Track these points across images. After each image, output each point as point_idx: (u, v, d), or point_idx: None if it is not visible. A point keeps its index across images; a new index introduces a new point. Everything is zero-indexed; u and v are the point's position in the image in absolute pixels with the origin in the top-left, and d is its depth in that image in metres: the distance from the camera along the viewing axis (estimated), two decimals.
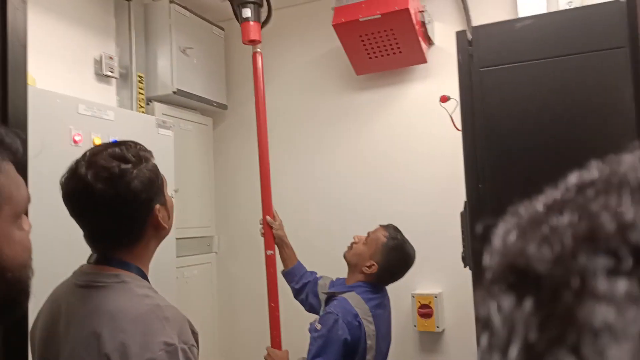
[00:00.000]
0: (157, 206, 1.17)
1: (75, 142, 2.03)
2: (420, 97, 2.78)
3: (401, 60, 2.76)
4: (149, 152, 1.24)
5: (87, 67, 2.51)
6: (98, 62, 2.53)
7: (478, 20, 2.68)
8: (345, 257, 2.14)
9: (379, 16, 2.54)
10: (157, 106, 2.71)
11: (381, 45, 2.68)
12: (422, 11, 2.65)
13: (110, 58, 2.56)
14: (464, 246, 1.69)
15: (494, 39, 1.62)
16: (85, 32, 2.51)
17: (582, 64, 1.46)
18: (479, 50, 1.62)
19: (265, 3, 2.31)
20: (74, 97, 2.09)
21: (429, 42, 2.77)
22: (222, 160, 3.21)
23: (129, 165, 1.10)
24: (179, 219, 2.71)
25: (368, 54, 2.74)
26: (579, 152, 1.50)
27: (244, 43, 2.31)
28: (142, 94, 2.66)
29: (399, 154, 2.81)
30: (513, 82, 1.58)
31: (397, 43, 2.66)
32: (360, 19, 2.57)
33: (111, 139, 2.13)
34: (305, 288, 2.26)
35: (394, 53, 2.71)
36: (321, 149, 3.00)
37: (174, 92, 2.70)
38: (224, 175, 3.20)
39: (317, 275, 2.30)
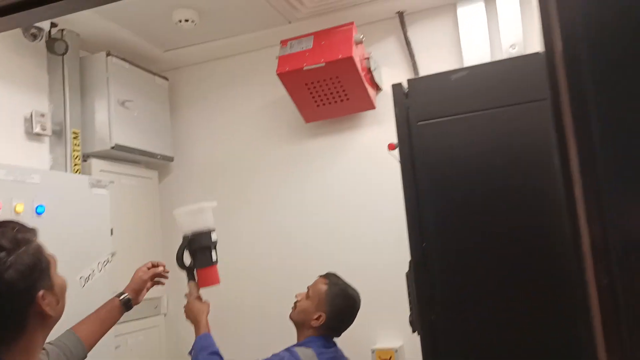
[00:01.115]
0: (41, 292, 1.07)
1: None
2: (370, 143, 2.72)
3: (349, 107, 2.71)
4: (31, 231, 1.14)
5: (16, 126, 2.36)
6: (28, 120, 2.39)
7: (425, 65, 2.67)
8: (291, 318, 2.11)
9: (323, 64, 2.49)
10: (95, 163, 2.57)
11: (328, 93, 2.63)
12: (368, 58, 2.62)
13: (42, 115, 2.42)
14: (411, 309, 1.58)
15: (430, 91, 1.56)
16: (15, 89, 2.37)
17: (514, 116, 1.42)
18: (416, 104, 1.55)
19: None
20: None
21: (377, 88, 2.73)
22: (169, 214, 3.06)
23: (3, 254, 1.00)
24: (120, 283, 2.55)
25: (315, 101, 2.68)
26: (520, 204, 1.44)
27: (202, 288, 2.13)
28: (77, 150, 2.52)
29: (351, 203, 2.72)
30: (451, 136, 1.52)
31: (343, 90, 2.60)
32: (305, 68, 2.51)
33: (36, 205, 1.99)
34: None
35: (342, 100, 2.65)
36: (271, 198, 2.89)
37: (113, 147, 2.57)
38: (172, 230, 3.04)
39: None
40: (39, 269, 1.08)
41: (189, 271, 2.12)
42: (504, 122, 1.47)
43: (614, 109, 0.68)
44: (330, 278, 2.11)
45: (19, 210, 1.91)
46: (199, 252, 2.09)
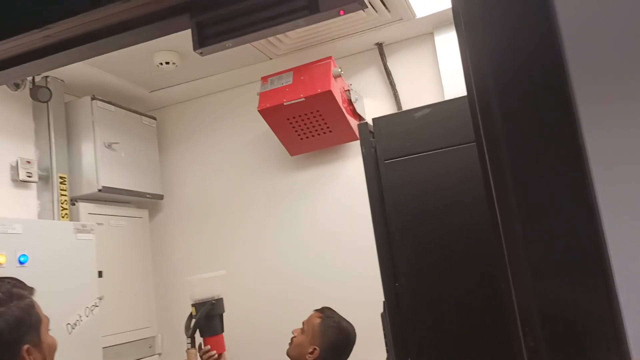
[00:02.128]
0: (26, 347, 1.10)
1: None
2: (355, 174, 2.71)
3: (333, 139, 2.72)
4: (28, 289, 1.21)
5: (2, 174, 2.39)
6: (14, 168, 2.42)
7: (406, 94, 2.68)
8: (288, 354, 2.11)
9: (303, 99, 2.51)
10: (82, 206, 2.59)
11: (310, 126, 2.64)
12: (349, 90, 2.63)
13: (28, 162, 2.46)
14: (387, 351, 1.56)
15: (395, 129, 1.56)
16: (0, 138, 2.42)
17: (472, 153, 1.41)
18: (382, 142, 1.56)
19: None
20: None
21: (360, 118, 2.74)
22: (161, 253, 3.07)
23: None
24: (112, 325, 2.55)
25: (299, 135, 2.69)
26: (491, 241, 1.42)
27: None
28: (65, 195, 2.54)
29: (339, 235, 2.71)
30: (418, 174, 1.52)
31: (325, 123, 2.62)
32: (285, 103, 2.54)
33: (18, 255, 2.01)
34: None
35: (324, 132, 2.67)
36: (260, 234, 2.89)
37: (100, 190, 2.59)
38: (164, 268, 3.05)
39: None
40: (27, 324, 1.12)
41: (192, 339, 2.15)
42: (469, 159, 1.47)
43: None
44: (325, 312, 2.10)
45: (1, 262, 1.93)
46: (208, 320, 2.14)
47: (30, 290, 1.21)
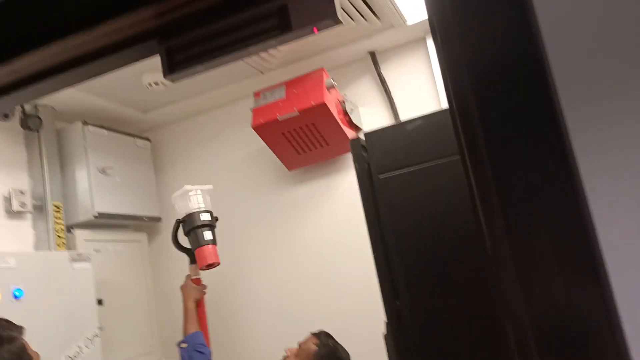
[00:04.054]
0: None
1: None
2: (355, 185, 2.66)
3: (330, 152, 2.66)
4: (18, 329, 1.19)
5: None
6: (7, 199, 2.38)
7: (402, 101, 2.63)
8: None
9: (297, 113, 2.46)
10: (79, 234, 2.55)
11: (306, 140, 2.59)
12: (343, 101, 2.58)
13: (21, 192, 2.42)
14: None
15: (387, 143, 1.51)
16: None
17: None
18: (375, 156, 1.51)
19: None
20: None
21: (357, 129, 2.69)
22: (162, 276, 3.02)
23: None
24: (114, 353, 2.50)
25: (295, 149, 2.64)
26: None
27: (201, 269, 2.33)
28: (60, 224, 2.50)
29: (341, 249, 2.65)
30: (414, 187, 1.46)
31: (321, 136, 2.57)
32: (279, 118, 2.49)
33: (12, 289, 1.96)
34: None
35: (321, 145, 2.62)
36: (261, 251, 2.84)
37: (96, 217, 2.55)
38: (166, 291, 3.00)
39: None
40: None
41: (190, 254, 2.32)
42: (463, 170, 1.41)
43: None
44: (321, 338, 2.04)
45: None
46: (192, 233, 2.27)
47: (20, 330, 1.19)
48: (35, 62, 0.94)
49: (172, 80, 0.93)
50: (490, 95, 0.65)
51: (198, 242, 2.26)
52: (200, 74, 0.94)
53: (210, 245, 2.27)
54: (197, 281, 2.35)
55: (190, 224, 2.28)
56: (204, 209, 2.29)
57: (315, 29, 0.83)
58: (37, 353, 1.20)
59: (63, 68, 0.96)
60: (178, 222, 2.31)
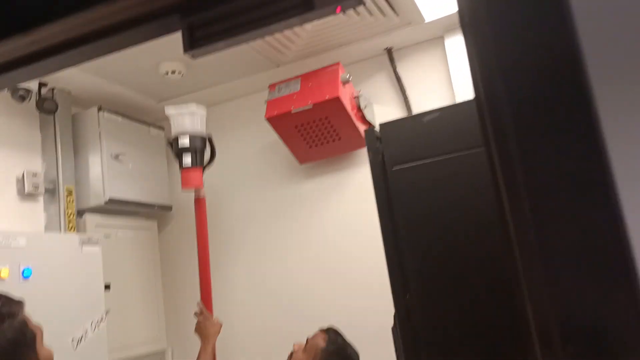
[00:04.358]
0: None
1: None
2: (365, 181, 2.64)
3: (342, 146, 2.66)
4: (18, 304, 1.16)
5: (9, 187, 2.37)
6: (20, 181, 2.40)
7: (417, 99, 2.61)
8: None
9: (311, 106, 2.46)
10: (90, 218, 2.56)
11: (319, 134, 2.59)
12: (358, 96, 2.58)
13: (34, 175, 2.44)
14: None
15: (403, 135, 1.50)
16: (6, 151, 2.40)
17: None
18: (389, 148, 1.49)
19: (208, 144, 2.46)
20: None
21: (369, 125, 2.68)
22: (170, 264, 3.03)
23: None
24: (120, 339, 2.51)
25: (307, 143, 2.64)
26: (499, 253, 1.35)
27: (183, 189, 2.41)
28: (71, 207, 2.51)
29: (351, 244, 2.64)
30: (428, 180, 1.45)
31: (334, 130, 2.56)
32: (293, 111, 2.49)
33: (22, 268, 1.97)
34: None
35: (333, 140, 2.61)
36: (270, 243, 2.83)
37: (106, 202, 2.56)
38: (174, 280, 3.01)
39: None
40: (22, 344, 1.10)
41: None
42: (480, 163, 1.40)
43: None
44: (330, 334, 2.00)
45: (4, 276, 1.90)
46: (178, 156, 2.34)
47: (20, 304, 1.16)
48: (55, 33, 0.94)
49: (193, 57, 0.93)
50: (521, 85, 0.64)
51: (184, 163, 2.35)
52: (219, 51, 0.93)
53: (186, 169, 2.34)
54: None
55: (178, 145, 2.35)
56: (184, 132, 2.33)
57: (338, 8, 0.83)
58: (39, 327, 1.19)
59: (84, 41, 0.96)
60: (168, 142, 2.44)
